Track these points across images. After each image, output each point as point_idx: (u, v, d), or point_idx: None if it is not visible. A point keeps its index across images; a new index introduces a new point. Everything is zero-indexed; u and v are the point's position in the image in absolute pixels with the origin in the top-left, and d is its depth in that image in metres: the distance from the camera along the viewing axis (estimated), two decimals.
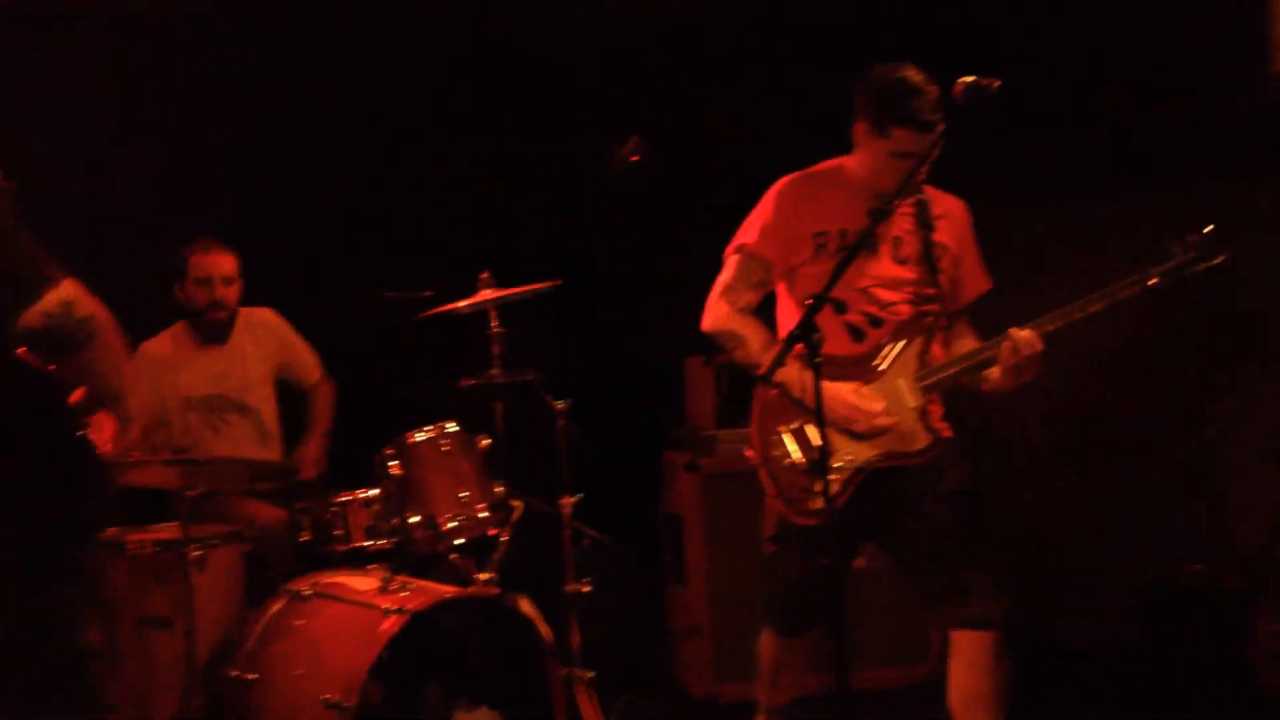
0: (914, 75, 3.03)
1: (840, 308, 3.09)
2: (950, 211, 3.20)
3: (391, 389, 4.45)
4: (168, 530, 3.59)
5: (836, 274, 2.70)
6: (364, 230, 4.86)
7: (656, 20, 4.85)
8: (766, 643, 3.37)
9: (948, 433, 3.11)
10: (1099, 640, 4.23)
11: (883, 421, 3.02)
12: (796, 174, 3.21)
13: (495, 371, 3.79)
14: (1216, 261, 2.92)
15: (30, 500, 2.11)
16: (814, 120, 3.60)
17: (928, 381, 3.07)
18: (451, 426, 3.70)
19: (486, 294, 3.79)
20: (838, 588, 2.69)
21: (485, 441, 3.73)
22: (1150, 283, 2.93)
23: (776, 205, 3.16)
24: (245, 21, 4.62)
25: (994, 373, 3.02)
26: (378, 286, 4.47)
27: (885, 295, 3.11)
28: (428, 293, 4.06)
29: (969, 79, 2.72)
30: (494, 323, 3.82)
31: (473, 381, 3.82)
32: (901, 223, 3.15)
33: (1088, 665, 4.18)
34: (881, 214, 2.98)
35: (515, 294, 3.78)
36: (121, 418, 2.29)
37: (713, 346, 3.29)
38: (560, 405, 3.78)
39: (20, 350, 2.16)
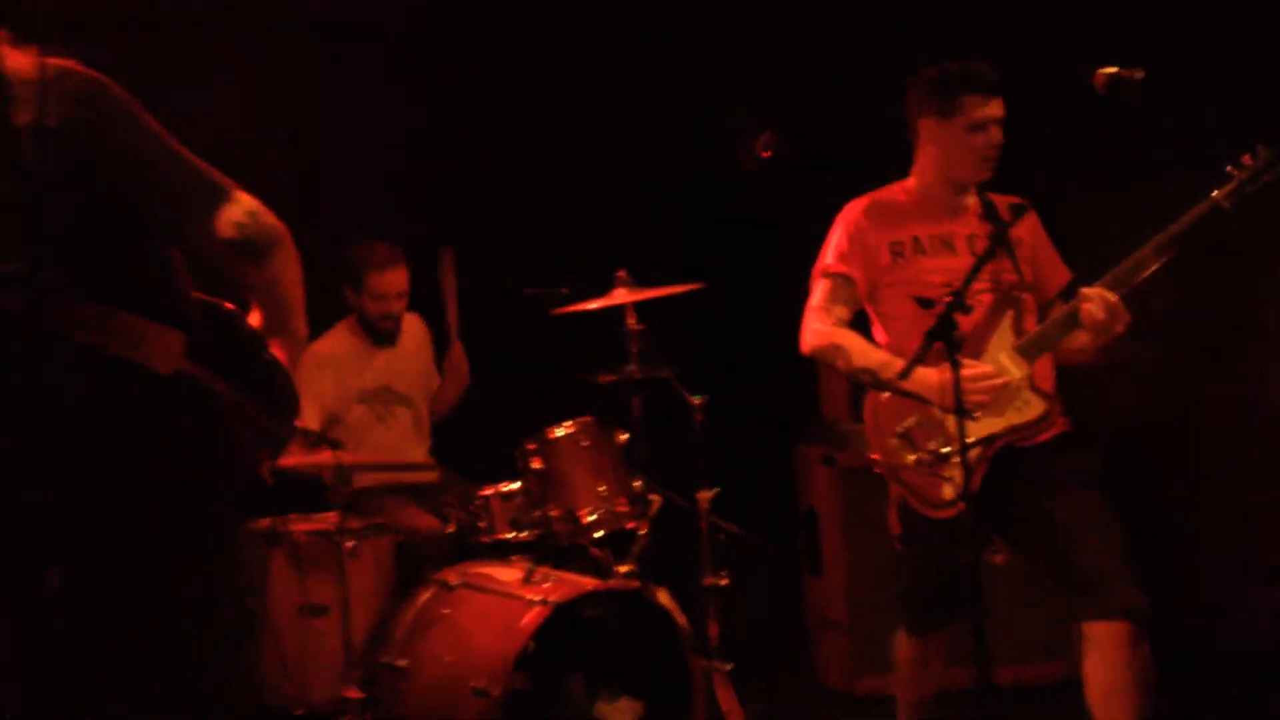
0: (959, 61, 3.14)
1: (928, 304, 3.12)
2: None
3: (532, 384, 4.55)
4: (324, 521, 3.75)
5: (973, 272, 2.79)
6: (505, 227, 4.96)
7: (791, 13, 4.85)
8: (902, 641, 3.38)
9: (1060, 411, 3.08)
10: (1247, 641, 4.11)
11: (996, 383, 3.01)
12: (861, 197, 3.30)
13: (633, 367, 3.86)
14: (1277, 171, 2.88)
15: (241, 419, 2.10)
16: None
17: (1027, 346, 3.07)
18: (590, 422, 3.77)
19: (623, 292, 3.86)
20: (978, 581, 2.67)
21: (623, 436, 3.80)
22: (1222, 201, 2.89)
23: (849, 224, 3.26)
24: (390, 25, 4.75)
25: (1082, 336, 3.02)
26: (517, 282, 4.58)
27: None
28: (564, 290, 4.15)
29: (1110, 69, 2.70)
30: (631, 319, 3.89)
31: (611, 377, 3.89)
32: (971, 222, 3.21)
33: (1237, 665, 4.07)
34: (1020, 210, 3.01)
35: (653, 295, 3.84)
36: (293, 338, 2.23)
37: None
38: (697, 400, 3.83)
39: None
